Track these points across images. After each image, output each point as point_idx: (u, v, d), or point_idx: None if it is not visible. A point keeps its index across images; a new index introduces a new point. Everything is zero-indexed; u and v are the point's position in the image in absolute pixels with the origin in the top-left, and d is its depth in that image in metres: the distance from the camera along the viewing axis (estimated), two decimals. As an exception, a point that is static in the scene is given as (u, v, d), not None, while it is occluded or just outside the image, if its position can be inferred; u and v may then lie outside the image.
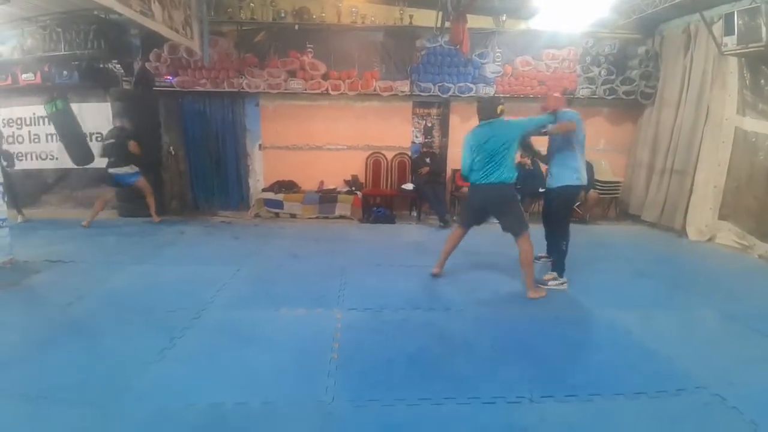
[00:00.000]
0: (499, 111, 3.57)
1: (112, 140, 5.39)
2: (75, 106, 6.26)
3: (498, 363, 2.51)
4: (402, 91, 6.22)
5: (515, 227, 3.48)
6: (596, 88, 6.33)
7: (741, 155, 4.97)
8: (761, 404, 2.14)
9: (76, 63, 5.88)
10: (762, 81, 4.73)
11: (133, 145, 5.40)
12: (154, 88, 6.06)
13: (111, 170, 5.39)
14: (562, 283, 3.65)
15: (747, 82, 4.89)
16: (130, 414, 1.99)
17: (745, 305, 3.38)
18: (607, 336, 2.88)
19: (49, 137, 6.35)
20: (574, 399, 2.16)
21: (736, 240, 4.99)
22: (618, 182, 6.59)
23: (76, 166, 6.05)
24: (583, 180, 3.66)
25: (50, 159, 6.51)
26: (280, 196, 6.22)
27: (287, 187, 6.40)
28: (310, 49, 6.10)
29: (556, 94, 4.29)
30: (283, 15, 5.98)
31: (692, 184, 5.47)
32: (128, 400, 2.08)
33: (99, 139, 6.25)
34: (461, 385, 2.26)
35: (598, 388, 2.25)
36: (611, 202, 6.78)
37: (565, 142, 3.64)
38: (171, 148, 6.32)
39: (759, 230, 4.72)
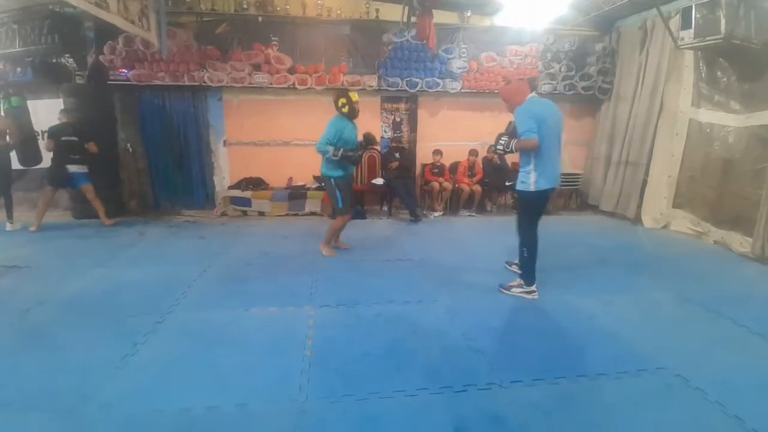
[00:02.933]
0: (339, 104, 3.98)
1: (74, 138, 5.09)
2: (29, 104, 5.89)
3: (469, 352, 2.56)
4: (370, 86, 6.20)
5: (334, 208, 4.26)
6: (557, 83, 6.55)
7: (695, 146, 5.23)
8: (724, 385, 2.24)
9: (30, 59, 5.59)
10: (718, 73, 4.94)
11: (92, 146, 5.19)
12: (109, 83, 5.76)
13: (72, 168, 5.11)
14: (528, 292, 3.37)
15: (703, 74, 5.12)
16: (96, 422, 1.92)
17: (701, 288, 3.59)
18: (570, 321, 2.99)
19: (6, 136, 5.95)
20: (541, 382, 2.25)
21: (691, 227, 5.29)
22: (578, 174, 6.85)
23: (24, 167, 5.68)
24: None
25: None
26: (247, 194, 6.08)
27: (255, 184, 6.27)
28: (275, 42, 5.98)
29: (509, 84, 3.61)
30: (245, 6, 5.82)
31: (647, 175, 5.76)
32: (94, 408, 2.00)
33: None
34: (434, 375, 2.30)
35: (563, 371, 2.35)
36: (572, 194, 7.05)
37: None
38: (128, 145, 6.04)
39: (714, 217, 4.99)
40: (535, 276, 3.38)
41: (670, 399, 2.16)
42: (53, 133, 5.08)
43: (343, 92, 4.04)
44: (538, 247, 3.35)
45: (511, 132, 3.31)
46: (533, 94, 3.24)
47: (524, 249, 3.35)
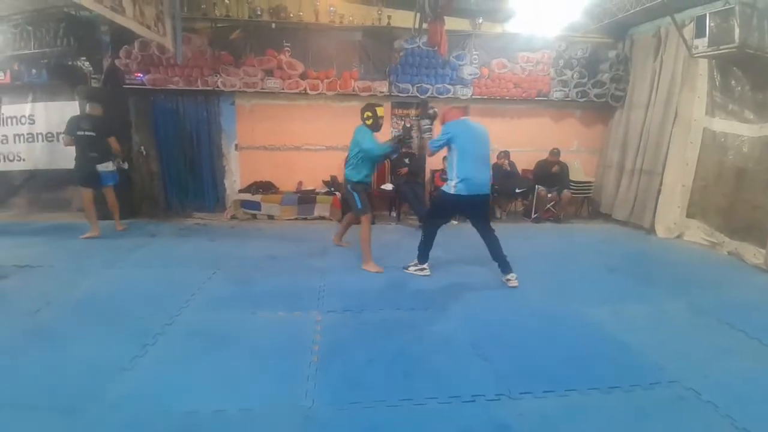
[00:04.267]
0: (364, 116, 4.09)
1: (92, 133, 4.89)
2: (41, 105, 6.02)
3: (477, 361, 2.53)
4: (381, 92, 6.21)
5: (354, 210, 4.26)
6: (569, 90, 6.49)
7: (709, 155, 5.15)
8: (735, 398, 2.20)
9: (45, 61, 5.67)
10: (733, 82, 4.87)
11: (113, 141, 5.06)
12: (124, 86, 5.86)
13: (99, 167, 4.95)
14: (421, 269, 3.96)
15: (717, 83, 5.04)
16: (103, 423, 1.93)
17: (714, 299, 3.52)
18: (582, 331, 2.95)
19: (17, 138, 6.10)
20: (551, 394, 2.21)
21: (705, 237, 5.19)
22: (590, 182, 6.78)
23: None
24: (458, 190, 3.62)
25: (17, 160, 6.21)
26: (257, 198, 6.11)
27: (265, 188, 6.30)
28: (287, 48, 6.03)
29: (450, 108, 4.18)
30: (259, 13, 5.89)
31: (661, 184, 5.67)
32: (101, 409, 2.01)
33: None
34: (442, 384, 2.27)
35: (574, 382, 2.31)
36: (584, 202, 6.97)
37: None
38: (142, 148, 6.12)
39: (728, 227, 4.89)
40: (427, 257, 3.96)
41: (681, 413, 2.11)
42: (69, 127, 4.90)
43: (370, 106, 4.10)
44: (435, 238, 3.92)
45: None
46: (465, 117, 3.85)
47: (423, 236, 3.95)
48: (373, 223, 4.39)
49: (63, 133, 5.02)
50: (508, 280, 3.75)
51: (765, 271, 4.24)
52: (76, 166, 5.00)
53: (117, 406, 2.03)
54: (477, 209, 3.82)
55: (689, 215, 5.44)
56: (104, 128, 5.01)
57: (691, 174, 5.36)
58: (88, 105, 5.09)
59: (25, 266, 3.90)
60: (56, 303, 3.16)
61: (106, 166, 5.06)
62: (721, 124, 5.01)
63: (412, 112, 6.64)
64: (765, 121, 4.50)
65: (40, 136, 6.14)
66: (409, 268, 4.00)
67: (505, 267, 3.77)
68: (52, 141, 6.11)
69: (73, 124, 4.89)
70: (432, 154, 3.93)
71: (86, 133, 4.87)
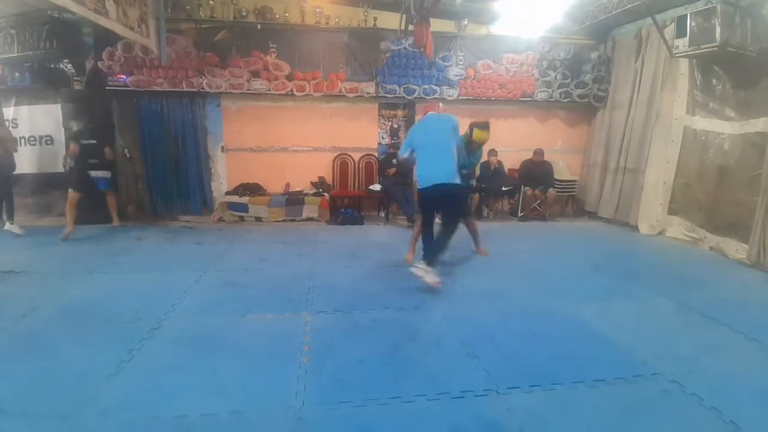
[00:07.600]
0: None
1: (92, 141, 5.25)
2: (25, 109, 5.92)
3: (466, 358, 2.56)
4: (368, 93, 6.24)
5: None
6: (553, 91, 6.60)
7: (690, 153, 5.27)
8: (720, 391, 2.24)
9: (28, 64, 5.62)
10: (713, 81, 4.97)
11: (108, 152, 5.40)
12: (107, 88, 5.78)
13: (94, 174, 5.29)
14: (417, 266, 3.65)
15: (698, 82, 5.15)
16: (92, 429, 1.91)
17: (698, 294, 3.60)
18: (568, 328, 2.99)
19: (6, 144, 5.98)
20: (537, 389, 2.25)
21: (686, 233, 5.32)
22: (574, 181, 6.90)
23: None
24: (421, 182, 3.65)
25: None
26: (245, 200, 6.08)
27: (252, 189, 6.27)
28: (273, 49, 6.01)
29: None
30: (244, 14, 5.86)
31: (643, 182, 5.79)
32: (89, 415, 1.99)
33: (49, 142, 5.91)
34: (431, 381, 2.29)
35: (560, 377, 2.35)
36: (569, 200, 7.08)
37: None
38: (126, 150, 6.04)
39: (709, 223, 5.01)
40: (432, 258, 3.62)
41: (666, 405, 2.16)
42: (73, 137, 5.25)
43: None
44: (427, 238, 3.81)
45: None
46: (431, 111, 3.84)
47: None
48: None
49: (71, 143, 5.27)
50: (416, 266, 3.54)
51: (748, 266, 4.36)
52: (72, 171, 5.19)
53: (106, 412, 2.00)
54: (441, 202, 3.67)
55: (671, 212, 5.57)
56: (103, 138, 5.39)
57: (672, 172, 5.48)
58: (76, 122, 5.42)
59: (9, 272, 3.82)
60: (42, 308, 3.10)
61: (104, 174, 5.40)
62: (702, 123, 5.12)
63: (399, 113, 6.68)
64: (747, 118, 4.60)
65: (23, 140, 6.01)
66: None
67: (427, 255, 3.63)
68: (35, 145, 6.00)
69: (76, 135, 5.28)
70: (405, 160, 3.83)
71: (88, 141, 5.25)
